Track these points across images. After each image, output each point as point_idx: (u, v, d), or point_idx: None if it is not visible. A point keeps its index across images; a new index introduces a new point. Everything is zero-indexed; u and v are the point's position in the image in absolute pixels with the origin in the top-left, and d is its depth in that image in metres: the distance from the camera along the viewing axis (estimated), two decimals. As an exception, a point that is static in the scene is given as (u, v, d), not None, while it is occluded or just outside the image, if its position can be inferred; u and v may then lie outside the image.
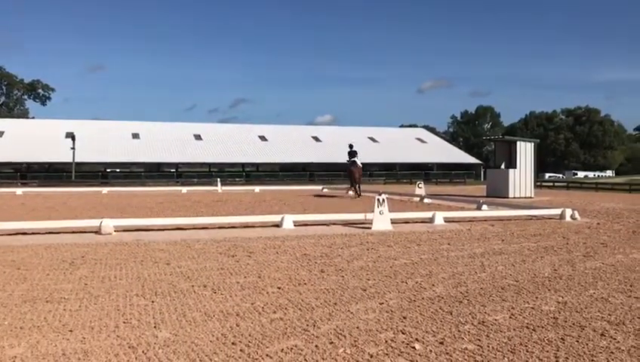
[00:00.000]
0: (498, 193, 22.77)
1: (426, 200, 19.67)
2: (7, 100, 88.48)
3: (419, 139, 71.30)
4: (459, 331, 4.11)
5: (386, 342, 3.85)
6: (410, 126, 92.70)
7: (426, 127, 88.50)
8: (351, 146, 24.52)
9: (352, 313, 4.61)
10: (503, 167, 24.03)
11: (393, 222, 11.15)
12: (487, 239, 9.50)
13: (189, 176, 55.94)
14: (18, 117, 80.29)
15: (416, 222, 12.05)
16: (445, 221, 11.95)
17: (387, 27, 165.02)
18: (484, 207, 15.08)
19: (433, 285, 5.73)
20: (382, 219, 10.89)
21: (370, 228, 10.73)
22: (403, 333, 4.04)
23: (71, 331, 4.07)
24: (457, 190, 33.38)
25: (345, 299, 5.08)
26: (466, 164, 66.38)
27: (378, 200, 10.99)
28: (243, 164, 60.66)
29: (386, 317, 4.48)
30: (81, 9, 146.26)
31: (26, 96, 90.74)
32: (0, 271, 6.36)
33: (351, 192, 23.86)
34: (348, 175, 24.91)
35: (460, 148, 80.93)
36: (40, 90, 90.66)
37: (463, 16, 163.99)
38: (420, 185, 23.89)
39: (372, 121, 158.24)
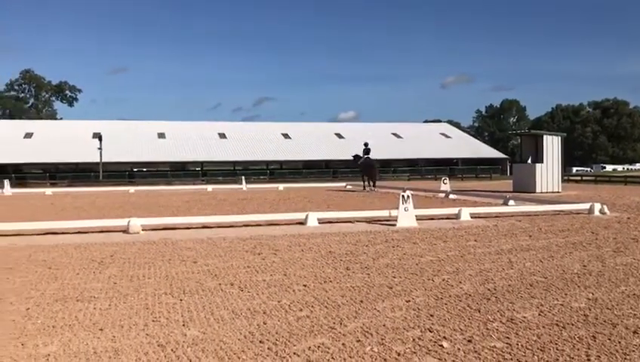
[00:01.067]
0: (525, 188, 22.46)
1: (451, 196, 19.51)
2: (36, 102, 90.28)
3: (443, 134, 70.67)
4: (487, 329, 4.07)
5: (414, 340, 3.83)
6: (434, 121, 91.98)
7: (450, 122, 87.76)
8: (366, 145, 26.51)
9: (378, 311, 4.60)
10: (529, 161, 23.69)
11: (418, 218, 11.10)
12: (515, 235, 9.38)
13: (214, 175, 56.34)
14: (46, 118, 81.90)
15: (442, 218, 11.97)
16: (471, 217, 11.85)
17: (409, 23, 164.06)
18: (511, 202, 14.90)
19: (460, 282, 5.69)
20: (407, 216, 10.84)
21: (395, 225, 10.69)
22: (430, 331, 4.02)
23: (101, 330, 4.14)
24: (483, 185, 33.05)
25: (371, 297, 5.08)
26: (492, 159, 65.59)
27: (403, 196, 10.94)
28: (267, 162, 60.89)
29: (413, 315, 4.46)
30: (107, 11, 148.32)
31: (53, 98, 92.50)
32: (32, 271, 6.50)
33: (371, 188, 25.05)
34: (366, 171, 25.98)
35: (485, 142, 80.00)
36: (67, 92, 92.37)
37: (485, 11, 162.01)
38: (445, 181, 23.72)
39: (395, 116, 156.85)
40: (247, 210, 14.82)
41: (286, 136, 63.92)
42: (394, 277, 5.95)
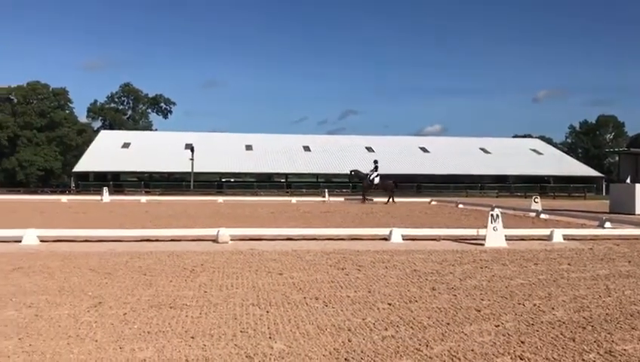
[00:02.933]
0: (623, 209, 21.14)
1: (542, 216, 18.70)
2: (134, 113, 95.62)
3: (534, 150, 68.09)
4: (583, 360, 3.86)
5: (504, 367, 3.70)
6: (525, 136, 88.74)
7: (542, 138, 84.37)
8: (375, 162, 31.11)
9: (466, 334, 4.48)
10: (628, 181, 22.33)
11: (508, 238, 10.72)
12: (612, 260, 8.84)
13: (298, 186, 57.32)
14: (143, 129, 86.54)
15: (533, 239, 11.50)
16: (565, 239, 11.30)
17: (500, 34, 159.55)
18: (608, 224, 14.07)
19: (553, 308, 5.43)
20: (496, 236, 10.50)
21: (483, 244, 10.38)
22: (521, 359, 3.86)
23: (192, 338, 4.30)
24: (577, 205, 31.42)
25: (458, 320, 4.95)
26: (586, 177, 62.41)
27: (492, 215, 10.61)
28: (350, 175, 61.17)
29: (503, 341, 4.30)
30: (200, 29, 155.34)
31: (149, 110, 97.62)
32: (129, 276, 6.86)
33: (390, 200, 28.81)
34: (386, 188, 30.11)
35: (578, 160, 76.19)
36: (162, 104, 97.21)
37: (580, 24, 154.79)
38: (536, 200, 22.80)
39: (484, 131, 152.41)
40: (330, 224, 14.92)
41: (369, 149, 63.95)
42: (482, 300, 5.78)
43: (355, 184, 60.01)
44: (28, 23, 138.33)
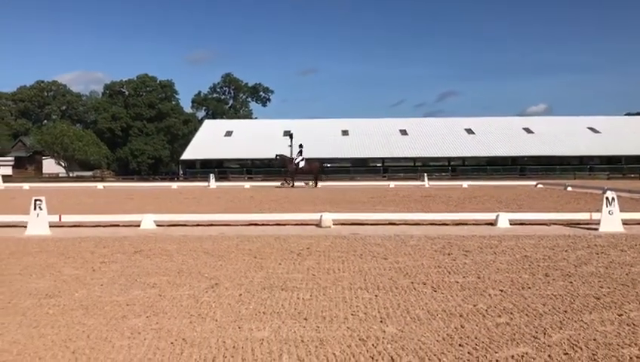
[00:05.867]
0: None
1: (662, 199, 17.34)
2: (235, 103, 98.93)
3: (650, 128, 62.99)
4: None
5: (631, 359, 3.51)
6: (638, 114, 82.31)
7: (660, 115, 77.78)
8: (300, 146, 31.29)
9: (585, 323, 4.28)
10: None
11: (625, 223, 10.07)
12: None
13: (395, 171, 56.83)
14: (243, 118, 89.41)
15: (653, 223, 10.71)
16: (691, 223, 10.43)
17: (611, 5, 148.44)
18: None
19: (683, 298, 5.05)
20: (611, 220, 9.89)
21: (597, 229, 9.83)
22: (651, 351, 3.64)
23: (306, 319, 4.43)
24: (702, 186, 28.79)
25: (576, 308, 4.74)
26: None
27: (607, 198, 10.00)
28: (448, 158, 59.75)
29: (628, 331, 4.07)
30: (298, 18, 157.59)
31: (249, 99, 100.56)
32: (240, 259, 7.17)
33: (300, 183, 30.31)
34: (308, 171, 30.75)
35: (703, 137, 69.49)
36: (261, 93, 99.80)
37: None
38: (654, 181, 21.13)
39: (592, 110, 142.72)
40: (432, 208, 14.71)
41: (469, 131, 62.03)
42: (601, 287, 5.48)
43: (455, 168, 58.79)
44: (137, 20, 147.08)
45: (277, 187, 30.05)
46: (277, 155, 32.66)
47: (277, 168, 58.51)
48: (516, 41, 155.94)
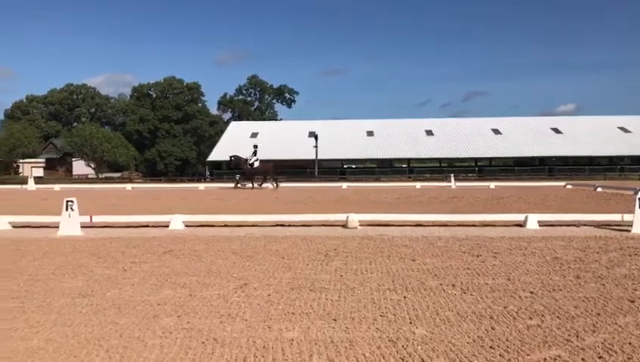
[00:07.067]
0: None
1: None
2: (260, 104, 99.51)
3: (684, 127, 61.42)
4: None
5: (667, 363, 3.44)
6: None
7: (694, 113, 75.73)
8: (255, 146, 31.47)
9: (620, 326, 4.21)
10: None
11: (658, 224, 9.84)
12: None
13: (420, 172, 56.47)
14: (268, 119, 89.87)
15: (688, 225, 10.44)
16: None
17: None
18: None
19: None
20: (644, 222, 9.67)
21: (629, 230, 9.63)
22: (689, 356, 3.56)
23: (335, 320, 4.44)
24: None
25: (609, 310, 4.66)
26: None
27: (639, 199, 9.78)
28: (475, 159, 59.14)
29: (664, 335, 3.99)
30: (322, 19, 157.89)
31: (274, 100, 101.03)
32: (268, 260, 7.22)
33: (255, 184, 30.15)
34: (262, 171, 30.82)
35: None
36: (286, 94, 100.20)
37: None
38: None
39: (624, 109, 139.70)
40: (459, 209, 14.58)
41: (496, 131, 61.37)
42: (635, 290, 5.38)
43: (481, 168, 58.15)
44: (164, 24, 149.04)
45: (233, 188, 30.42)
46: (231, 156, 32.50)
47: (303, 169, 58.96)
48: (543, 41, 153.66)
